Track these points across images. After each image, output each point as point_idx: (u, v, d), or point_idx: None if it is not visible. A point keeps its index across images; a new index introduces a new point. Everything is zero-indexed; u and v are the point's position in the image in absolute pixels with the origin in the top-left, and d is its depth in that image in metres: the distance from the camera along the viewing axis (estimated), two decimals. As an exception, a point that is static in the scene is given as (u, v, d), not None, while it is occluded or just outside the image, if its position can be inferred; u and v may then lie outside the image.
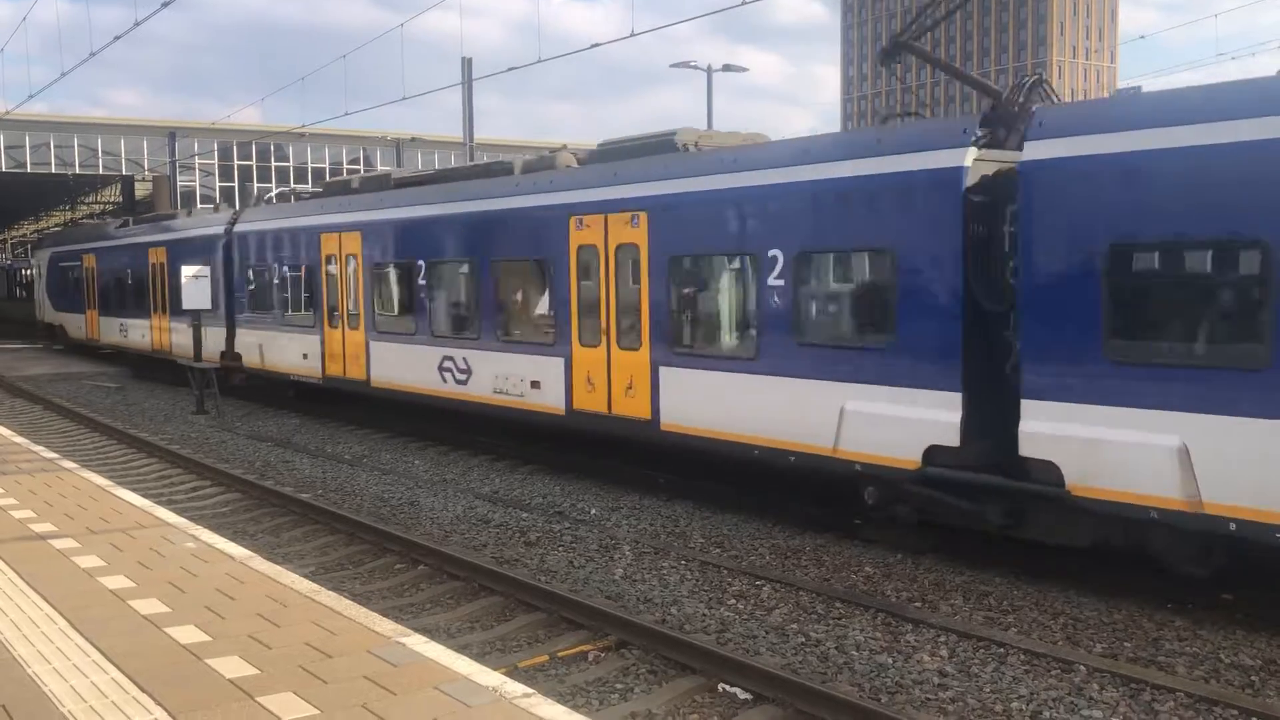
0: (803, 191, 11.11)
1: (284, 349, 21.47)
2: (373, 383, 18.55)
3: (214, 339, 24.29)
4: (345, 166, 56.18)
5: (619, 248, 13.42)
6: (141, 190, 58.97)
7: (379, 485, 14.59)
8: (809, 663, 7.86)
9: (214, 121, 47.39)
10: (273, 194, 25.93)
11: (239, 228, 23.51)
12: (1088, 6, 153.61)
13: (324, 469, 15.90)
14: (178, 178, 52.77)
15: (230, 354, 23.83)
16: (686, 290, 12.87)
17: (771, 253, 11.37)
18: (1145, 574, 9.36)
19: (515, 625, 8.83)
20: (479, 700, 5.15)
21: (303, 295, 20.87)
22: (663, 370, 12.82)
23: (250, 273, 23.02)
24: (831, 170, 10.87)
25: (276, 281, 21.83)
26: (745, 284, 11.99)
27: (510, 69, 21.71)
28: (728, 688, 7.34)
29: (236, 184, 54.22)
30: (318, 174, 55.64)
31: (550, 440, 16.19)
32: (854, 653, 8.03)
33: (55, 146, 51.30)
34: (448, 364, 16.55)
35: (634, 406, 13.23)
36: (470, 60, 40.09)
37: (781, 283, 11.26)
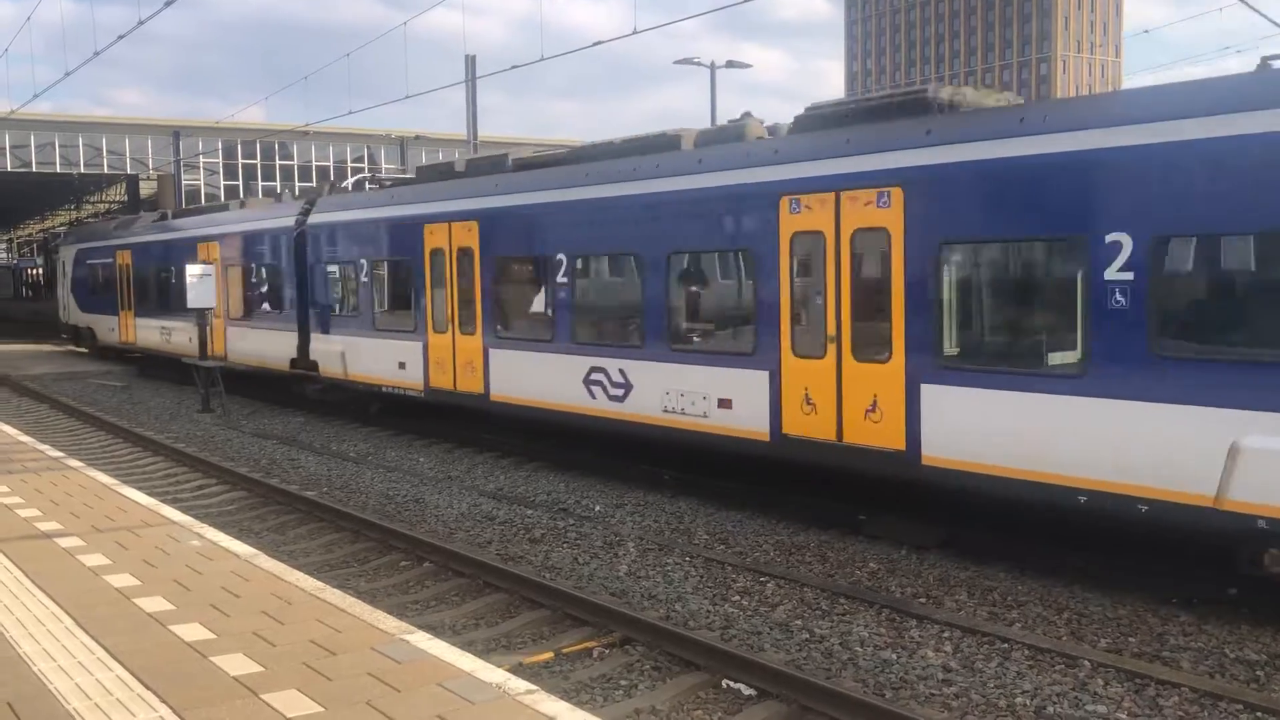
0: (1165, 157, 8.43)
1: (375, 357, 18.66)
2: (492, 396, 15.79)
3: (282, 344, 21.79)
4: (349, 165, 56.20)
5: (858, 233, 10.79)
6: (146, 189, 59.04)
7: (384, 483, 14.62)
8: (813, 659, 7.86)
9: (218, 120, 47.45)
10: (348, 182, 23.46)
11: (314, 219, 20.71)
12: (1091, 1, 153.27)
13: (329, 467, 15.92)
14: (182, 177, 52.81)
15: (303, 362, 21.25)
16: (965, 285, 10.37)
17: (1112, 238, 8.75)
18: (1150, 569, 9.35)
19: (520, 622, 8.84)
20: (482, 697, 5.16)
21: (400, 296, 18.21)
22: (926, 389, 10.20)
23: (330, 270, 20.16)
24: (1213, 128, 8.16)
25: (365, 280, 18.88)
26: (1065, 277, 9.50)
27: (513, 67, 21.71)
28: (732, 684, 7.35)
29: (241, 183, 54.26)
30: (322, 172, 55.68)
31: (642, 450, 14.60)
32: (858, 649, 8.03)
33: (60, 146, 51.38)
34: (597, 376, 13.86)
35: (879, 434, 10.61)
36: (474, 58, 40.09)
37: (1129, 276, 8.69)
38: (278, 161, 54.84)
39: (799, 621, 8.67)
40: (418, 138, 54.79)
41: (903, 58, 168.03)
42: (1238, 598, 8.70)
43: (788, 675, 7.15)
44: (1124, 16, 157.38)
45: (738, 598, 9.34)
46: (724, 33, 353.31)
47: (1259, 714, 6.68)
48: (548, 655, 8.01)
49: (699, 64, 30.04)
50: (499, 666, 5.94)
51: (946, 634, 8.28)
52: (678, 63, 30.48)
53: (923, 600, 9.16)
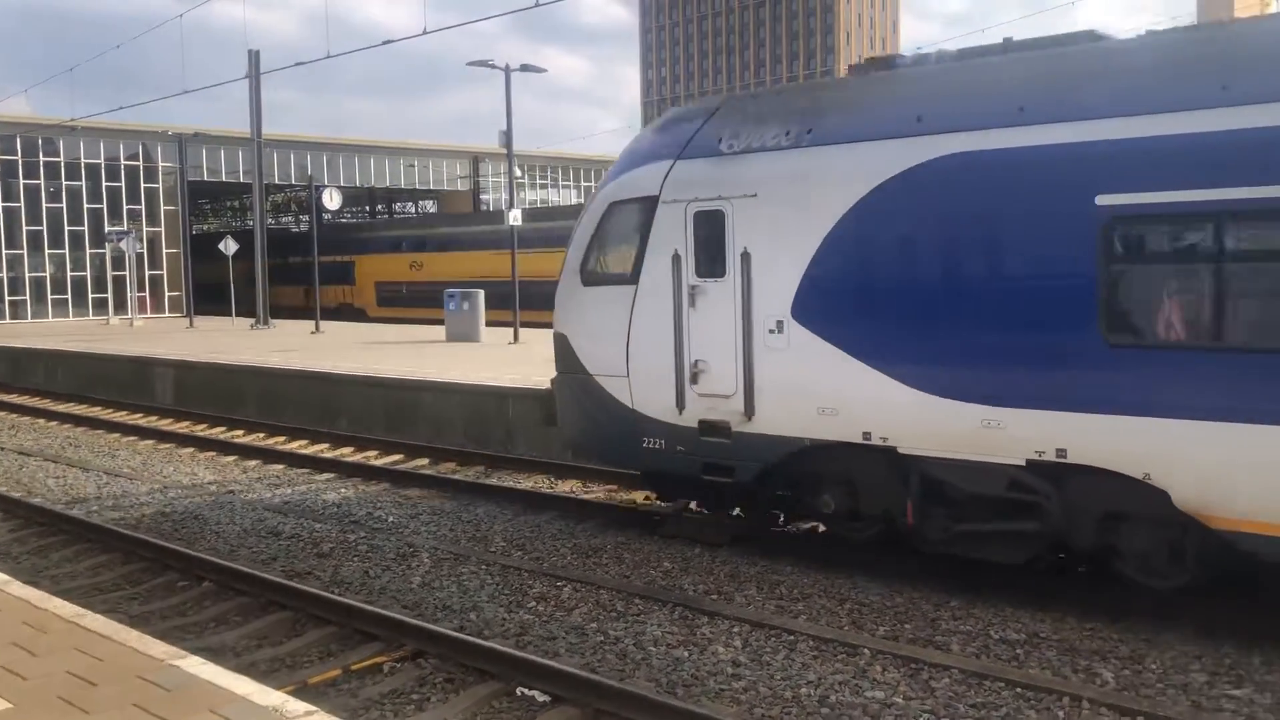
0: None
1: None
2: None
3: None
4: (123, 162, 52.93)
5: None
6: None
7: (160, 499, 13.79)
8: (608, 661, 7.89)
9: (-30, 113, 43.71)
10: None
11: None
12: (872, 19, 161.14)
13: (99, 484, 14.91)
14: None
15: None
16: None
17: None
18: (925, 561, 9.86)
19: (306, 640, 8.50)
20: (259, 721, 4.92)
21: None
22: None
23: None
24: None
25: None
26: None
27: (298, 64, 20.97)
28: (526, 691, 7.29)
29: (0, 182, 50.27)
30: (91, 170, 52.21)
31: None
32: (651, 648, 8.12)
33: None
34: None
35: None
36: (258, 53, 38.56)
37: None
38: (41, 158, 51.03)
39: (594, 624, 8.69)
40: (196, 135, 52.17)
41: (695, 67, 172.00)
42: (1003, 582, 9.27)
43: (581, 678, 7.15)
44: (901, 34, 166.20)
45: (534, 604, 9.28)
46: (525, 35, 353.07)
47: (1018, 689, 7.13)
48: (335, 673, 7.72)
49: (494, 66, 29.74)
50: (280, 688, 5.71)
51: (736, 629, 8.48)
52: (471, 64, 30.04)
53: (714, 597, 9.35)
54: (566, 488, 13.92)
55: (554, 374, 11.84)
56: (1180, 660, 7.61)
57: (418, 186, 65.17)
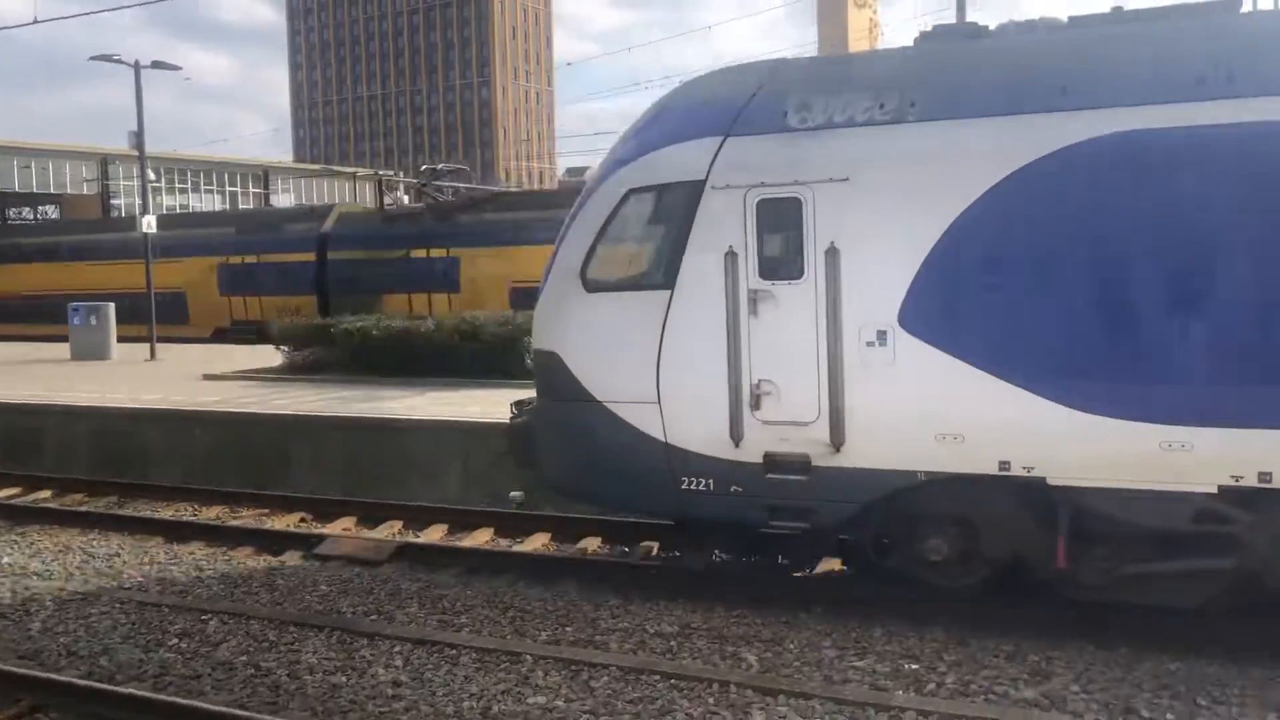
0: None
1: None
2: None
3: None
4: None
5: None
6: None
7: None
8: (259, 694, 7.46)
9: None
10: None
11: None
12: (525, 33, 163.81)
13: None
14: None
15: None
16: None
17: None
18: (582, 560, 10.11)
19: (-105, 707, 7.43)
20: None
21: None
22: None
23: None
24: None
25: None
26: None
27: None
28: (166, 737, 6.75)
29: None
30: None
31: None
32: (307, 677, 7.75)
33: None
34: None
35: None
36: None
37: None
38: None
39: (244, 658, 8.18)
40: None
41: (349, 72, 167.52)
42: (657, 575, 9.65)
43: (227, 715, 6.71)
44: (555, 49, 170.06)
45: (175, 641, 8.61)
46: (161, 30, 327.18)
47: (672, 680, 7.44)
48: (-67, 741, 6.81)
49: (121, 62, 27.39)
50: None
51: (398, 649, 8.27)
52: (94, 59, 27.49)
53: (374, 617, 9.09)
54: (212, 514, 13.10)
55: (519, 399, 9.97)
56: (814, 639, 8.24)
57: (37, 190, 58.90)
